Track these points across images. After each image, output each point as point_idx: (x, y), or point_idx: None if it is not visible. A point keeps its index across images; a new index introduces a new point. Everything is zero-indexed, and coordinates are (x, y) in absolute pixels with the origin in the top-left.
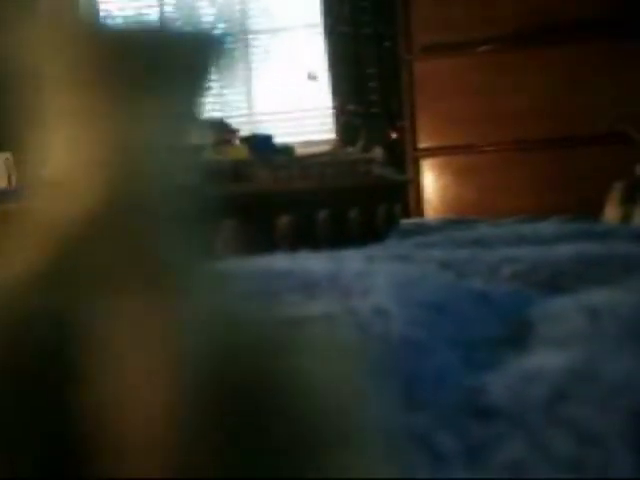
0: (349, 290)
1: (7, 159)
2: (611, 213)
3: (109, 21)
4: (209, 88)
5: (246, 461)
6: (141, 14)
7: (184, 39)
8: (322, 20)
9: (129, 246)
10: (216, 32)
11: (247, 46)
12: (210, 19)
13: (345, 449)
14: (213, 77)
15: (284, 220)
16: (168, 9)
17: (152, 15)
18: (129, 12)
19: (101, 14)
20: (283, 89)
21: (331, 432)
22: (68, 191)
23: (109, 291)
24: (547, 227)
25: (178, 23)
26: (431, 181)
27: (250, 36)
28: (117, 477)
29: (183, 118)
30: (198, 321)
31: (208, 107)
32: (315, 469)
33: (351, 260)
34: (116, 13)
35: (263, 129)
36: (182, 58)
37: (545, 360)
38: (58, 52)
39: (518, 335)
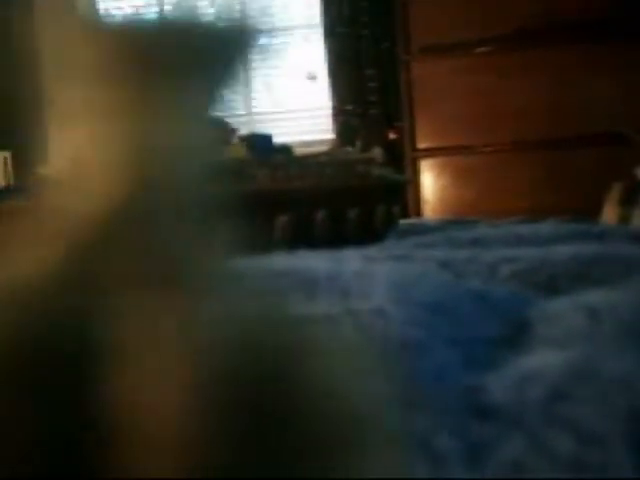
0: (348, 290)
1: (5, 158)
2: (609, 214)
3: (119, 18)
4: (232, 85)
5: (262, 461)
6: (140, 13)
7: (207, 33)
8: (321, 20)
9: (144, 244)
10: (243, 27)
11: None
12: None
13: (362, 450)
14: (236, 73)
15: (282, 220)
16: (167, 8)
17: (151, 14)
18: (128, 10)
19: (101, 12)
20: (282, 89)
21: (347, 433)
22: (81, 189)
23: (125, 290)
24: (545, 227)
25: (198, 17)
26: (430, 181)
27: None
28: (133, 477)
29: (202, 115)
30: (215, 320)
31: (222, 105)
32: (331, 470)
33: (350, 260)
34: (115, 12)
35: (262, 129)
36: (204, 53)
37: (544, 360)
38: (74, 47)
39: (517, 335)
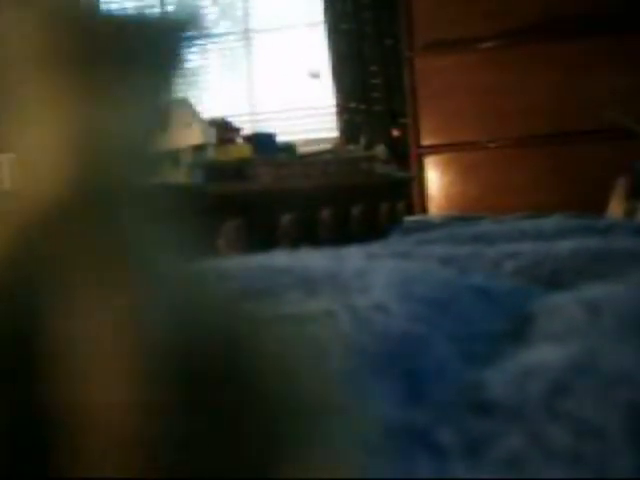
0: (349, 286)
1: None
2: (615, 209)
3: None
4: (178, 72)
5: (214, 455)
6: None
7: (150, 23)
8: (324, 18)
9: (93, 234)
10: (182, 14)
11: (250, 44)
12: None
13: (323, 444)
14: (184, 61)
15: (287, 218)
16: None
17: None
18: (129, 6)
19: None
20: (285, 87)
21: (305, 425)
22: (33, 177)
23: (71, 280)
24: (549, 223)
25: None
26: (434, 178)
27: (252, 34)
28: (82, 472)
29: (151, 103)
30: (164, 310)
31: (178, 90)
32: (288, 466)
33: (351, 257)
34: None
35: (266, 127)
36: (149, 42)
37: (545, 354)
38: (25, 35)
39: (519, 330)
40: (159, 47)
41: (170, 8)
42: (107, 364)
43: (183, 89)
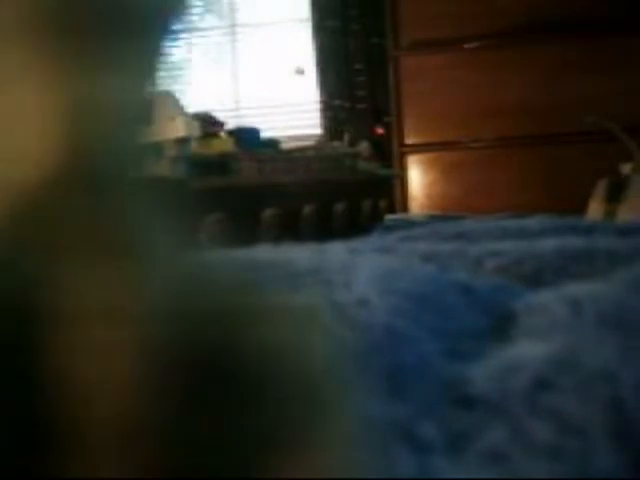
0: (332, 281)
1: None
2: (595, 211)
3: None
4: (163, 45)
5: (205, 454)
6: None
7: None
8: (310, 14)
9: (85, 215)
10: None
11: (235, 39)
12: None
13: (315, 437)
14: (170, 34)
15: (269, 213)
16: None
17: None
18: None
19: None
20: (270, 83)
21: (297, 421)
22: (17, 157)
23: (66, 261)
24: (532, 222)
25: None
26: (417, 177)
27: (238, 29)
28: (82, 471)
29: (139, 75)
30: (162, 303)
31: (163, 67)
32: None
33: (333, 252)
34: None
35: (249, 122)
36: (133, 10)
37: (527, 350)
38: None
39: (501, 326)
40: (146, 24)
41: None
42: (106, 360)
43: (167, 82)
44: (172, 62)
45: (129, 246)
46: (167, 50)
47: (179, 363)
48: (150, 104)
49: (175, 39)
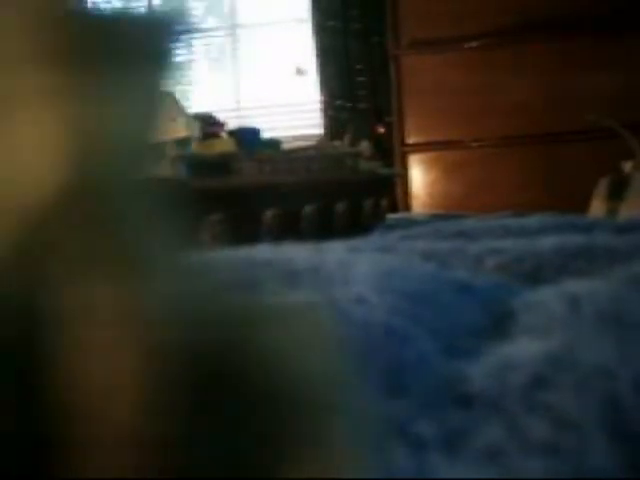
0: (331, 279)
1: None
2: (597, 209)
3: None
4: (167, 69)
5: (215, 436)
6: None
7: (137, 20)
8: (311, 15)
9: (91, 231)
10: (169, 13)
11: (236, 40)
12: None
13: (321, 442)
14: (172, 59)
15: (270, 213)
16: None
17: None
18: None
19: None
20: (271, 83)
21: (302, 423)
22: (25, 176)
23: (72, 276)
24: (532, 220)
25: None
26: (418, 176)
27: (238, 30)
28: (83, 471)
29: (144, 100)
30: (165, 305)
31: (170, 90)
32: (287, 459)
33: (333, 251)
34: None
35: (250, 123)
36: (137, 39)
37: (524, 348)
38: (11, 33)
39: (500, 324)
40: (147, 44)
41: (157, 5)
42: (107, 361)
43: (169, 83)
44: (174, 64)
45: (130, 249)
46: (172, 56)
47: (180, 365)
48: (158, 108)
49: (178, 45)
